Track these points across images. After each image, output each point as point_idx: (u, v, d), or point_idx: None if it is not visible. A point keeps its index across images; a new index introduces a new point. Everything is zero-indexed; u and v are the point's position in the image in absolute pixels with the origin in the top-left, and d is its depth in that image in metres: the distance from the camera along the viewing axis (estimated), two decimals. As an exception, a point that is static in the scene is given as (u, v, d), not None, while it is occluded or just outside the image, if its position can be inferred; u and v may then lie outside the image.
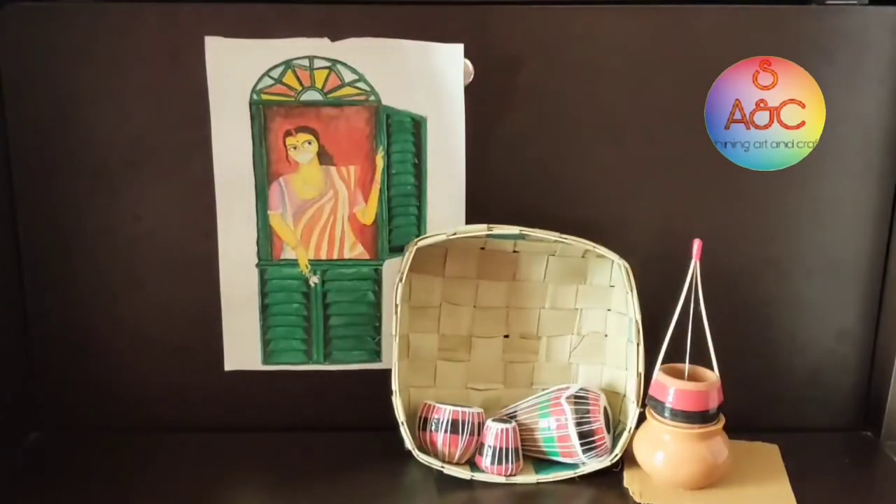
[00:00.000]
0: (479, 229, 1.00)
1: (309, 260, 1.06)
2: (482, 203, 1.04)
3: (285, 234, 1.05)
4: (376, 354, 1.08)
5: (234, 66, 0.99)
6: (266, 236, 1.05)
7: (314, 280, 1.07)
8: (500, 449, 0.99)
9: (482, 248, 1.07)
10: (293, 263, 1.06)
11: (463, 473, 0.99)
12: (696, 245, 0.95)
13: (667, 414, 0.96)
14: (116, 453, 1.05)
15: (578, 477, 1.00)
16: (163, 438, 1.07)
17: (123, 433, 1.08)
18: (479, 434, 1.01)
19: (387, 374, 1.02)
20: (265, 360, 1.08)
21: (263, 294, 1.06)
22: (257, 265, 1.06)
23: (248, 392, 1.09)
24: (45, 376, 1.08)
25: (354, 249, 1.06)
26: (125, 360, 1.08)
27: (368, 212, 1.05)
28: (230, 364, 1.08)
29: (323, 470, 1.01)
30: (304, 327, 1.08)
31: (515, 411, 1.03)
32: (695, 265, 0.95)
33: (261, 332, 1.07)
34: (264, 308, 1.07)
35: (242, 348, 1.07)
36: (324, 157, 1.03)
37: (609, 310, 1.07)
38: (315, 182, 1.04)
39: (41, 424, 1.09)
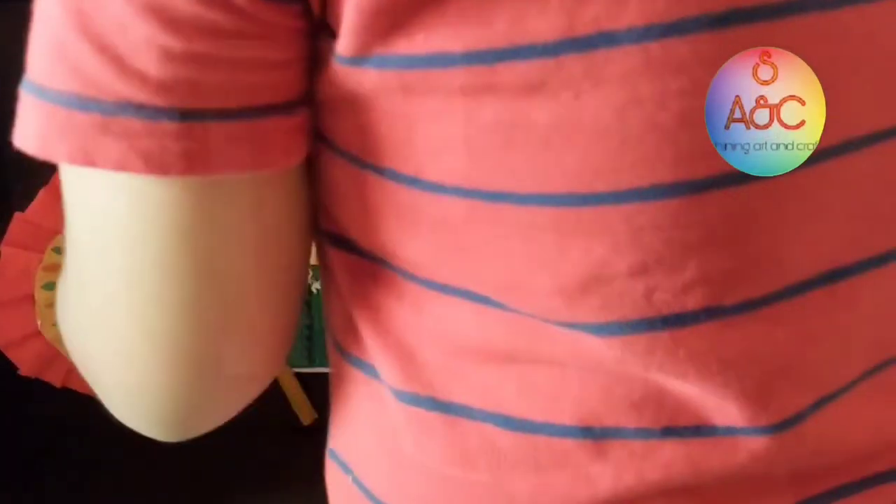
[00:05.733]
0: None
1: (311, 265, 1.07)
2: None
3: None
4: (378, 358, 1.09)
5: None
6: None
7: (316, 286, 1.07)
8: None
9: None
10: (296, 267, 1.07)
11: (465, 474, 0.99)
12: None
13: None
14: (115, 454, 1.04)
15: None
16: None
17: (122, 433, 1.07)
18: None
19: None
20: (268, 364, 1.08)
21: (266, 298, 1.07)
22: (260, 269, 1.06)
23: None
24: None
25: (356, 254, 1.07)
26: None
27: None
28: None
29: (322, 470, 1.01)
30: (306, 334, 1.08)
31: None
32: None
33: (264, 335, 1.08)
34: (267, 312, 1.07)
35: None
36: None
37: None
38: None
39: (40, 424, 1.09)
